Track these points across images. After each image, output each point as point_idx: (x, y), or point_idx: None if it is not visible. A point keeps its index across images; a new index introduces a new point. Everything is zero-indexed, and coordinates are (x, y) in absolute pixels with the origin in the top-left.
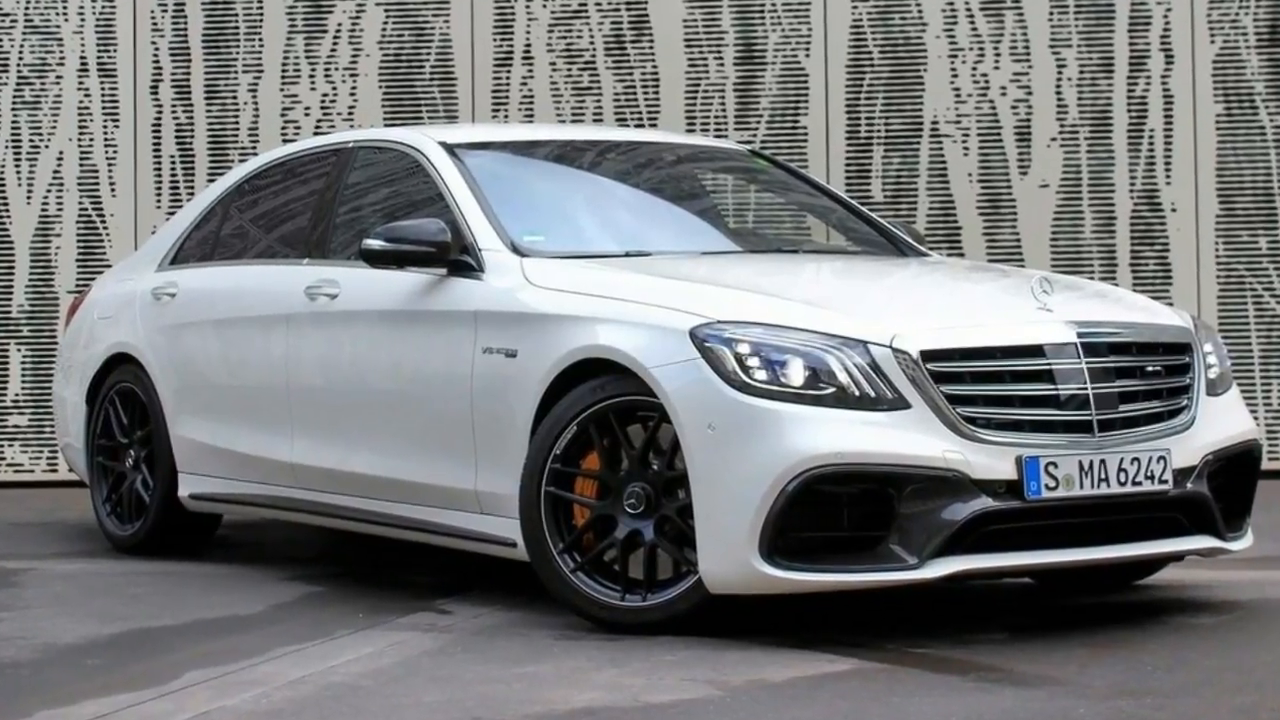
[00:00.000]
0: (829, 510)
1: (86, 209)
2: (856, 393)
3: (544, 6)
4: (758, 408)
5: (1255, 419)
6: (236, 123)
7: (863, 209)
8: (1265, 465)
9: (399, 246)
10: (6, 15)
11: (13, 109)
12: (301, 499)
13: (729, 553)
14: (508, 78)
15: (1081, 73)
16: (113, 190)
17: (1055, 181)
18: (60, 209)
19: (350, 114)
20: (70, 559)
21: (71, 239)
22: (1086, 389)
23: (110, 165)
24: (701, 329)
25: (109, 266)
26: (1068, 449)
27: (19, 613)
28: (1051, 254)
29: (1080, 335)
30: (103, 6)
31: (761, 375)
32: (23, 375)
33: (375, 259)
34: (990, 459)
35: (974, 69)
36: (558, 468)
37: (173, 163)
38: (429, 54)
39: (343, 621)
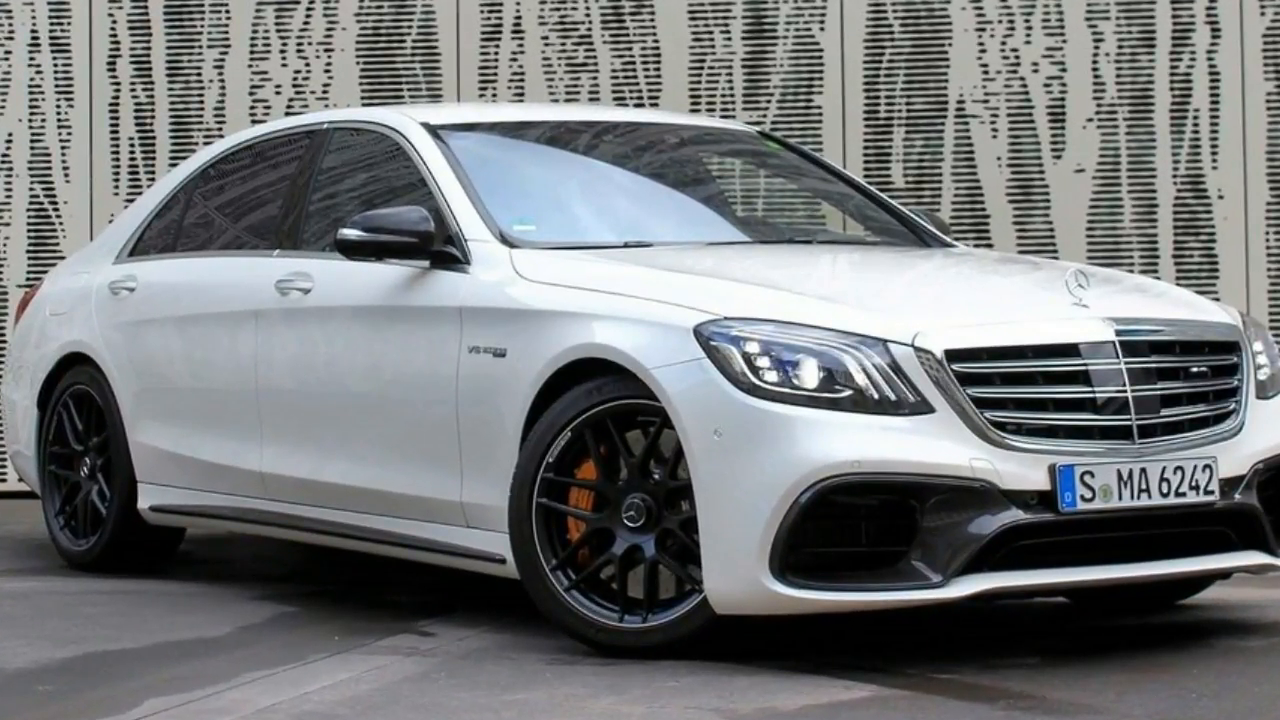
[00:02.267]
0: (845, 524)
1: (38, 195)
2: (875, 396)
3: None
4: (768, 412)
5: None
6: (201, 102)
7: (882, 196)
8: None
9: (378, 237)
10: None
11: None
12: (272, 511)
13: (737, 570)
14: (496, 53)
15: (1120, 48)
16: (66, 175)
17: (1091, 166)
18: (9, 196)
19: (325, 92)
20: (20, 576)
21: (21, 228)
22: (1126, 392)
23: (64, 148)
24: (707, 326)
25: (62, 258)
26: (1105, 457)
27: None
28: (1087, 244)
29: (1119, 333)
30: None
31: (772, 377)
32: None
33: (352, 250)
34: (1021, 468)
35: (1003, 43)
36: (550, 477)
37: (131, 145)
38: (410, 27)
39: (316, 644)
